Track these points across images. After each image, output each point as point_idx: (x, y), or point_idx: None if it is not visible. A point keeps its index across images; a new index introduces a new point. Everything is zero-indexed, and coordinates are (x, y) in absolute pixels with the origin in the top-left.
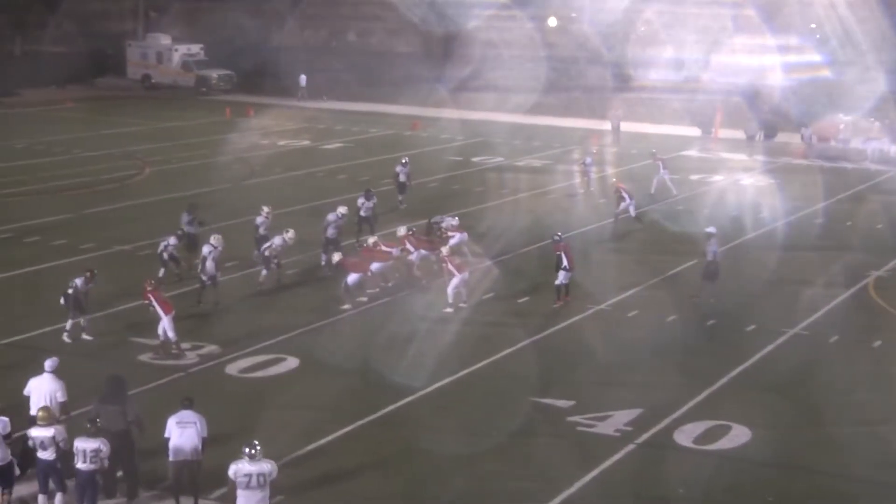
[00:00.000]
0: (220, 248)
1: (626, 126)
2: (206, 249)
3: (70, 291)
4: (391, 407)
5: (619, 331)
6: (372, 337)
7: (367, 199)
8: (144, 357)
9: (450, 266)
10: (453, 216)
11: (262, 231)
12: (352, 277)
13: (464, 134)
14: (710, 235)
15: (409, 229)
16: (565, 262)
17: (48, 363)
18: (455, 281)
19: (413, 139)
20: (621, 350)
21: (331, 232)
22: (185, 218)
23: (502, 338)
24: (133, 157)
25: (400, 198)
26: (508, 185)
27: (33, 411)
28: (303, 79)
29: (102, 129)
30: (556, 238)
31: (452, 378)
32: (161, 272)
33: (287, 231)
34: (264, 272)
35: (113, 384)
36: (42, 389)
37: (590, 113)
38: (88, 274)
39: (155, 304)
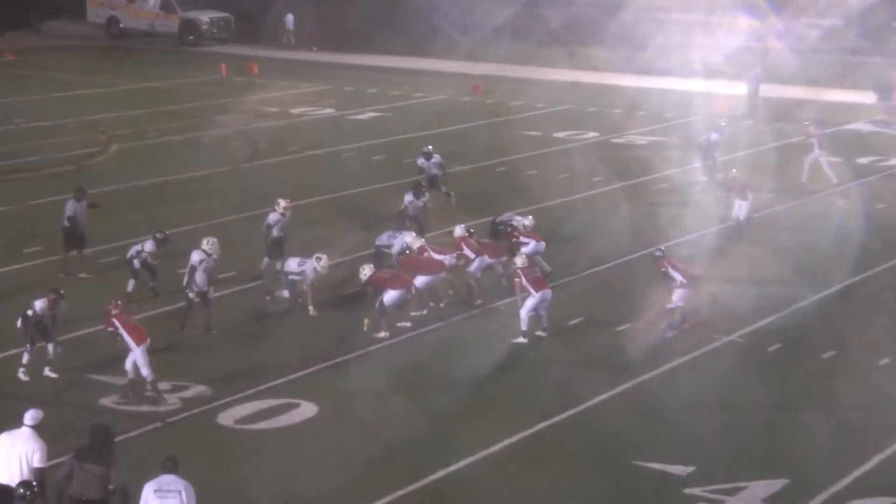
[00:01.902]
0: (214, 256)
1: (767, 89)
2: (195, 257)
3: (29, 314)
4: (442, 472)
5: (757, 371)
6: (416, 376)
7: (417, 196)
8: (108, 401)
9: (524, 281)
10: (527, 215)
11: (275, 232)
12: (389, 296)
13: (544, 100)
14: None
15: (467, 229)
16: (680, 278)
17: (29, 415)
18: (531, 302)
19: (473, 107)
20: (759, 397)
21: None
22: None
23: (594, 379)
24: (95, 129)
25: (444, 189)
26: (603, 171)
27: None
28: (289, 19)
29: (53, 91)
30: (658, 253)
31: (526, 433)
32: (130, 285)
33: (319, 258)
34: (285, 293)
35: (97, 436)
36: (15, 450)
37: (714, 72)
38: (52, 296)
39: (122, 331)
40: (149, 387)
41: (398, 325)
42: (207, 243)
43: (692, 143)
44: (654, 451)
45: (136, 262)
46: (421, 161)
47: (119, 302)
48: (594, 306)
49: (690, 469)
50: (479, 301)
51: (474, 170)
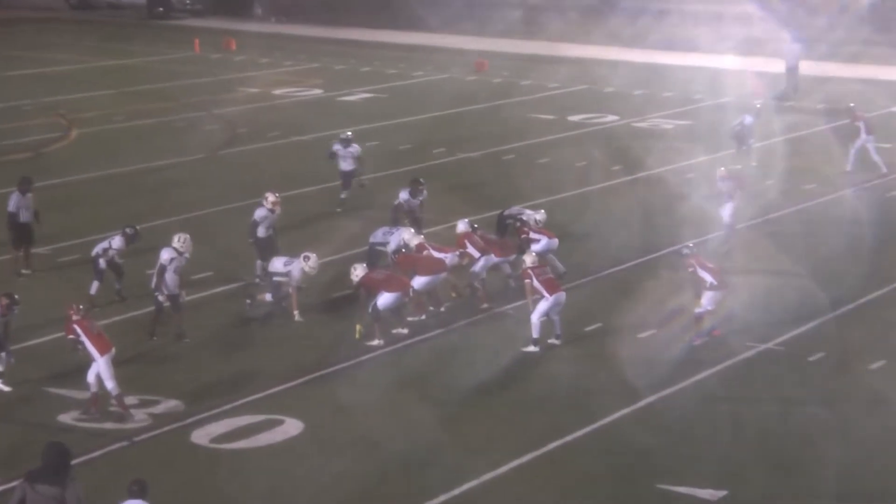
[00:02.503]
0: (186, 255)
1: (807, 66)
2: (164, 256)
3: None
4: (444, 497)
5: (798, 383)
6: (414, 390)
7: (414, 195)
8: (67, 418)
9: (535, 282)
10: (538, 208)
11: (261, 231)
12: (384, 299)
13: (558, 79)
14: None
15: (471, 224)
16: (710, 279)
17: None
18: (543, 305)
19: (478, 87)
20: (800, 413)
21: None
22: None
23: (614, 392)
24: (53, 113)
25: (343, 195)
26: (623, 159)
27: None
28: None
29: (6, 70)
30: (686, 252)
31: (537, 453)
32: (94, 287)
33: (307, 257)
34: (268, 296)
35: (52, 455)
36: None
37: (747, 47)
38: (4, 301)
39: (84, 338)
40: (114, 401)
41: (394, 331)
42: (179, 240)
43: (724, 128)
44: (682, 473)
45: (102, 262)
46: (336, 147)
47: (81, 306)
48: (613, 311)
49: (722, 493)
50: (485, 305)
51: (479, 157)
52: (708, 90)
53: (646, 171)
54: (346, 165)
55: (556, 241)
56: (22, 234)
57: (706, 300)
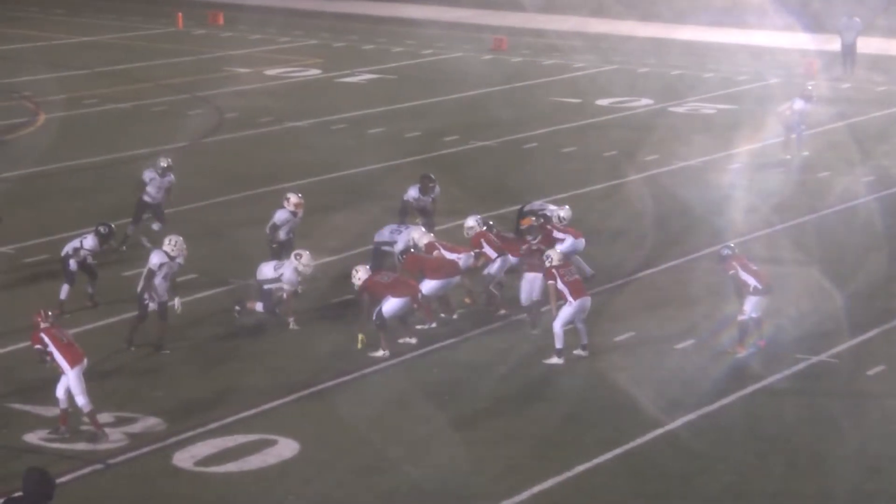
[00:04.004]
0: (178, 260)
1: (865, 44)
2: (154, 260)
3: None
4: None
5: (854, 400)
6: (423, 406)
7: (424, 192)
8: (34, 437)
9: (559, 283)
10: (562, 204)
11: (283, 234)
12: (389, 305)
13: (585, 59)
14: None
15: (483, 222)
16: (754, 282)
17: None
18: (567, 312)
19: (496, 67)
20: (855, 433)
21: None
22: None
23: (647, 410)
24: (19, 96)
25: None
26: (658, 148)
27: None
28: None
29: None
30: (726, 252)
31: (561, 478)
32: (64, 291)
33: (299, 255)
34: (259, 306)
35: (31, 483)
36: None
37: (804, 20)
38: None
39: (53, 348)
40: (85, 419)
41: (400, 341)
42: (170, 243)
43: (772, 113)
44: (720, 499)
45: (73, 263)
46: (147, 174)
47: (49, 313)
48: (647, 318)
49: None
50: (503, 311)
51: (497, 146)
52: (751, 70)
53: (683, 162)
54: (149, 197)
55: (582, 241)
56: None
57: (749, 306)
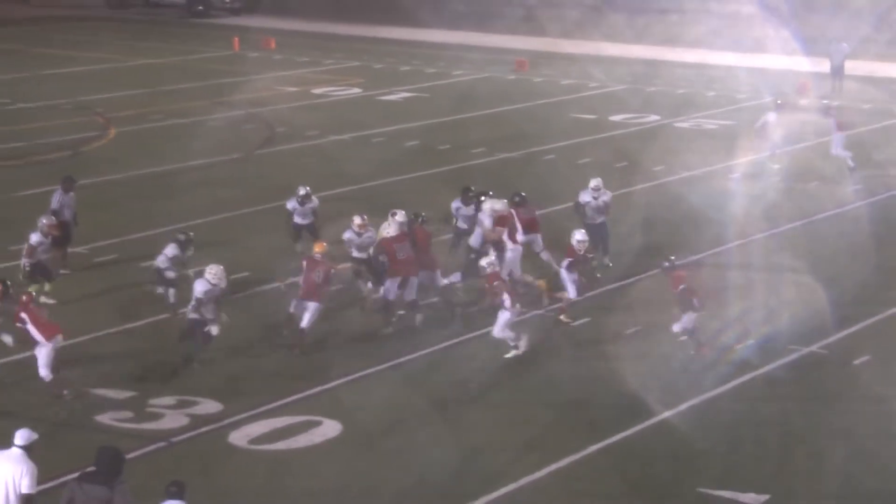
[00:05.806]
0: (221, 286)
1: (853, 66)
2: (199, 288)
3: None
4: (486, 497)
5: (842, 388)
6: (457, 387)
7: (466, 202)
8: (105, 418)
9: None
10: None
11: (355, 252)
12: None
13: (598, 79)
14: None
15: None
16: (695, 301)
17: (20, 435)
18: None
19: (519, 86)
20: (845, 418)
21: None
22: None
23: (655, 394)
24: (91, 112)
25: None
26: (665, 159)
27: None
28: None
29: (43, 69)
30: (666, 265)
31: (576, 457)
32: (171, 295)
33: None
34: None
35: (105, 458)
36: (1, 473)
37: (799, 44)
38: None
39: (30, 325)
40: (50, 388)
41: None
42: (211, 272)
43: (751, 130)
44: (724, 477)
45: (171, 273)
46: (291, 206)
47: (33, 293)
48: (654, 313)
49: (764, 498)
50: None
51: (520, 157)
52: (751, 90)
53: (688, 172)
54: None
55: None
56: (62, 233)
57: (686, 320)
